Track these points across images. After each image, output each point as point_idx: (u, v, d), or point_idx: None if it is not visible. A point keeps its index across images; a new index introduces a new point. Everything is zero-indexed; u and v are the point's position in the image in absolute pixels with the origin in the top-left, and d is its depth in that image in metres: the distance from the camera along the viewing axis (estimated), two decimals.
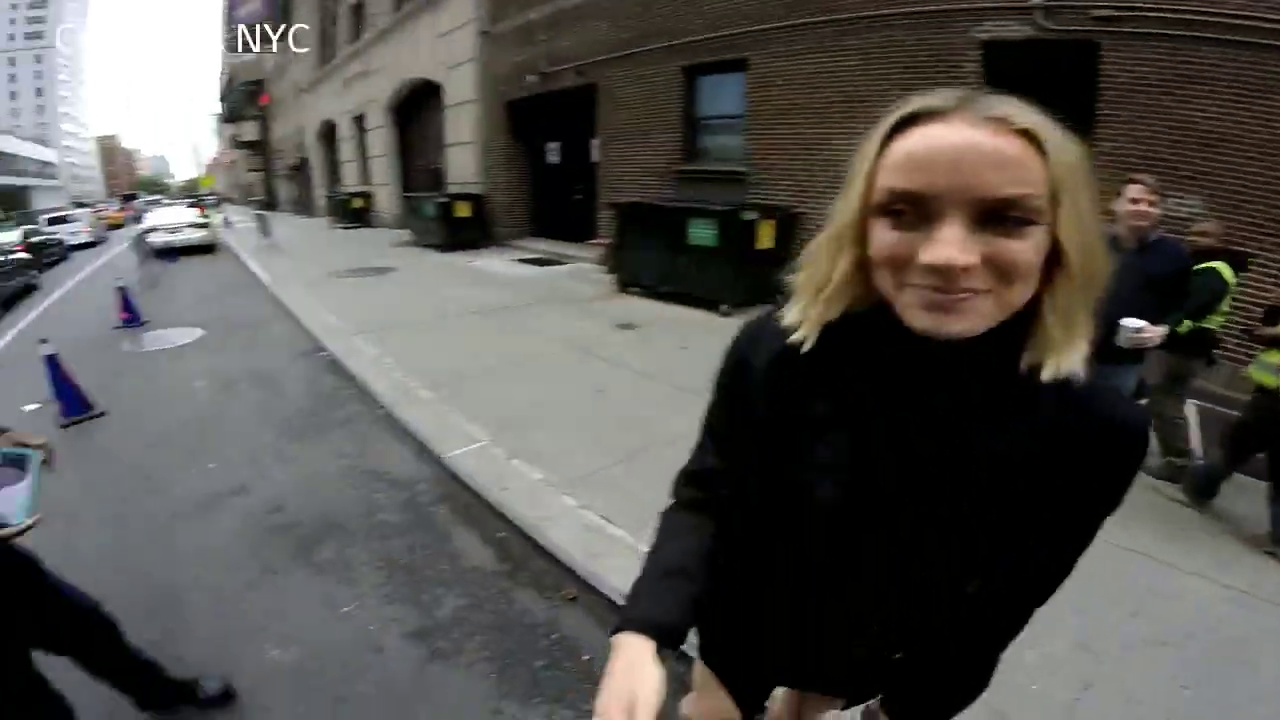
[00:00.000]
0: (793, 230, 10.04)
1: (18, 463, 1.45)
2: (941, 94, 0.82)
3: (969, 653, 1.22)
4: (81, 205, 54.01)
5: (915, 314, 0.83)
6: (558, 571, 3.72)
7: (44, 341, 6.24)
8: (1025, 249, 0.78)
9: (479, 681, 2.95)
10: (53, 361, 6.18)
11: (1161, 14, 6.86)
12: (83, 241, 28.65)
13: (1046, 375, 0.85)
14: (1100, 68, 7.37)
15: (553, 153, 16.85)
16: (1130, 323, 3.45)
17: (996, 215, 0.77)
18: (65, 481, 4.93)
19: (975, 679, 1.25)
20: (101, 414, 6.40)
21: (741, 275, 9.45)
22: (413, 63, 20.54)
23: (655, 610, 1.10)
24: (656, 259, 10.41)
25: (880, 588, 1.12)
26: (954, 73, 8.43)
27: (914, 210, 0.81)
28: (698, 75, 12.17)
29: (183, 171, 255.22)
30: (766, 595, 1.28)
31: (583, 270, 13.68)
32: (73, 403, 6.31)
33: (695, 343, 7.87)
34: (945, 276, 0.78)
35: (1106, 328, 3.49)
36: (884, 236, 0.84)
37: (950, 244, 0.77)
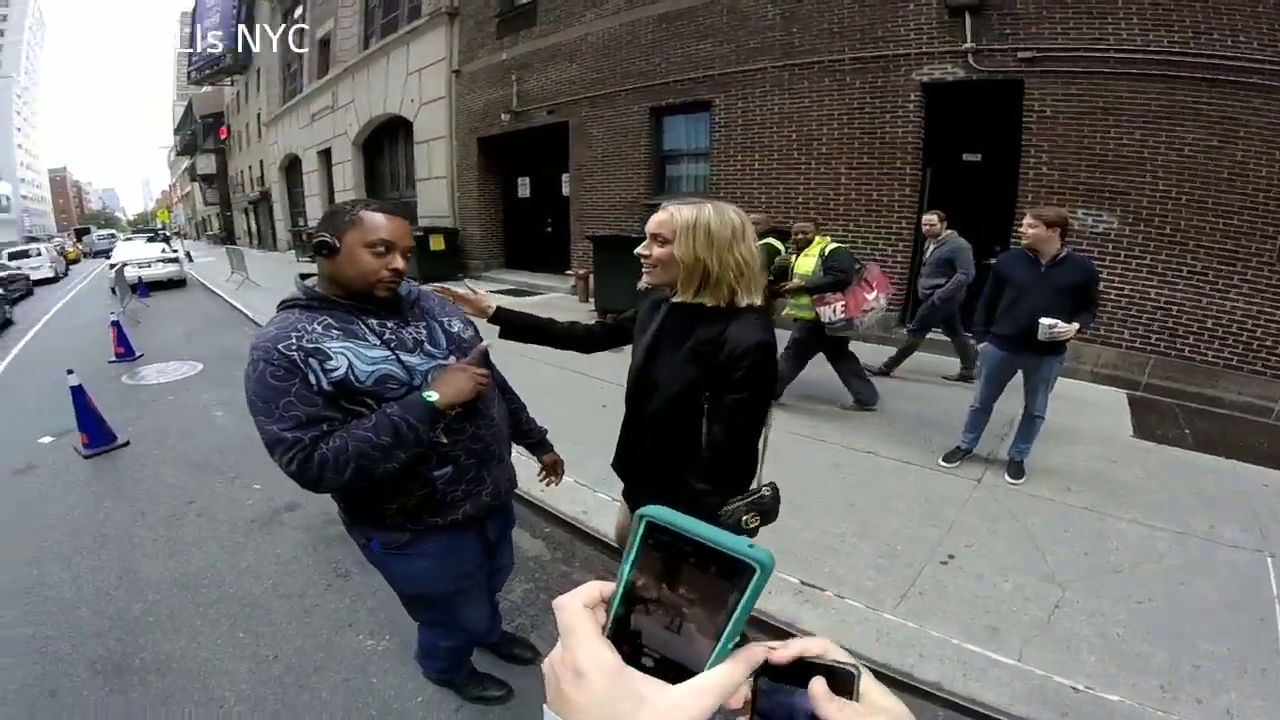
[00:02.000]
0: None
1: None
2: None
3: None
4: (34, 239, 53.16)
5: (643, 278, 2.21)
6: (607, 555, 4.28)
7: (70, 372, 6.46)
8: (661, 251, 2.11)
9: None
10: (79, 392, 6.39)
11: (1077, 53, 7.73)
12: (46, 276, 28.36)
13: (676, 300, 2.21)
14: (1025, 103, 8.19)
15: (523, 187, 17.29)
16: (1046, 320, 4.41)
17: (654, 237, 2.13)
18: (110, 509, 5.32)
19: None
20: (126, 444, 6.64)
21: None
22: (383, 99, 20.79)
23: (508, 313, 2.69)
24: (632, 286, 10.86)
25: (635, 416, 2.43)
26: (898, 111, 9.25)
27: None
28: (664, 115, 12.82)
29: (133, 205, 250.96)
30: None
31: (556, 300, 14.10)
32: (98, 433, 6.54)
33: None
34: (643, 259, 2.18)
35: (1028, 325, 4.50)
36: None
37: (642, 247, 2.19)
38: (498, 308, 2.64)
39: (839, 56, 9.66)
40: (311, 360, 1.91)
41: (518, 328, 2.72)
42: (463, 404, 2.09)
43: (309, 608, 3.92)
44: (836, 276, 6.19)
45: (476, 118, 17.05)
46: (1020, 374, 5.02)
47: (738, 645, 0.54)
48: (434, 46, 18.00)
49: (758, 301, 2.16)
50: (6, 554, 4.70)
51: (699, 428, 2.17)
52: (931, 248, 7.53)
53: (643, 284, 2.23)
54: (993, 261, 5.30)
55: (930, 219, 7.50)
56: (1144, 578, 3.84)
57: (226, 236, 48.64)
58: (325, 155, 26.96)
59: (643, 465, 2.52)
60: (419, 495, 2.18)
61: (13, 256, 28.62)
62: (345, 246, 1.98)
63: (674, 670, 0.54)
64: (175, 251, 23.52)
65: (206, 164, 52.31)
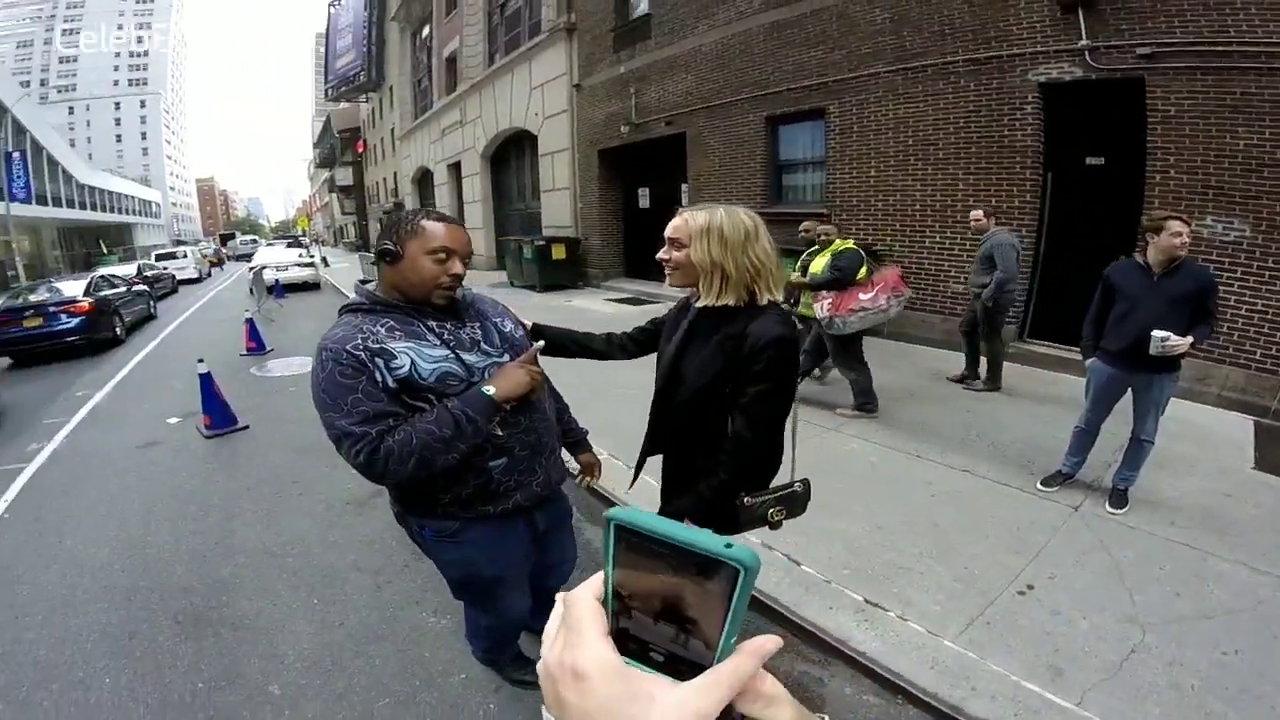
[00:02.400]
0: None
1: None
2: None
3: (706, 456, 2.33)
4: (181, 243, 56.58)
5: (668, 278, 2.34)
6: None
7: (200, 361, 7.00)
8: (679, 255, 2.23)
9: None
10: (207, 379, 6.93)
11: (1199, 48, 7.11)
12: (190, 277, 30.73)
13: (700, 304, 2.27)
14: (1147, 102, 7.61)
15: (644, 197, 17.40)
16: (1159, 333, 4.01)
17: (672, 242, 2.25)
18: (220, 483, 5.76)
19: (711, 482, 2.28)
20: (245, 428, 7.12)
21: None
22: (508, 113, 21.31)
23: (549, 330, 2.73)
24: None
25: (663, 408, 2.47)
26: (1016, 114, 8.84)
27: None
28: (779, 124, 12.71)
29: (276, 213, 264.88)
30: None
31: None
32: (221, 416, 7.06)
33: None
34: (664, 263, 2.30)
35: (1138, 339, 4.13)
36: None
37: (662, 251, 2.29)
38: (534, 324, 2.71)
39: (952, 58, 9.36)
40: (378, 359, 2.05)
41: (557, 343, 2.77)
42: (518, 398, 2.22)
43: (383, 583, 4.13)
44: (834, 275, 6.37)
45: (597, 130, 17.33)
46: (1130, 394, 4.61)
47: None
48: (555, 62, 18.40)
49: (779, 298, 2.27)
50: (122, 514, 5.21)
51: (722, 420, 2.26)
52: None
53: (668, 285, 2.33)
54: (1104, 272, 4.81)
55: (976, 214, 7.45)
56: (1236, 626, 3.47)
57: (363, 244, 50.56)
58: (455, 168, 27.88)
59: (669, 455, 2.60)
60: (474, 485, 2.30)
61: (160, 258, 31.34)
62: (408, 254, 2.13)
63: (685, 665, 0.51)
64: (311, 257, 24.89)
65: (344, 176, 54.83)
